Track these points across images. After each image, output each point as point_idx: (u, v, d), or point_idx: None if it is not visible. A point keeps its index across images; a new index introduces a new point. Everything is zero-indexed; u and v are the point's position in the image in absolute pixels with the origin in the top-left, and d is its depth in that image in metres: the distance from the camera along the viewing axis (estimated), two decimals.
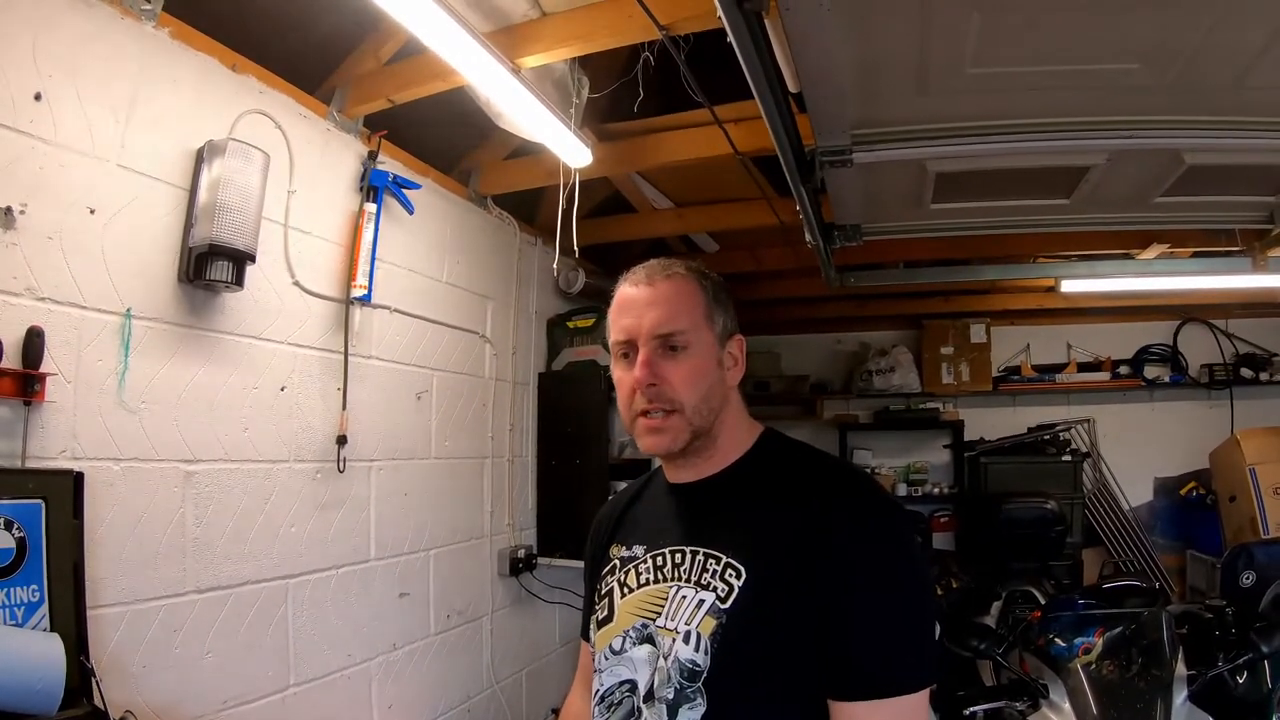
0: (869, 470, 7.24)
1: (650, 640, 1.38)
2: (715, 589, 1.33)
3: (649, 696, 1.34)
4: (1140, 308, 6.75)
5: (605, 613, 1.49)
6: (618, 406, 1.51)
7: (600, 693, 1.43)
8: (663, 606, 1.38)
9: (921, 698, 1.24)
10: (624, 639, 1.42)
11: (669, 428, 1.41)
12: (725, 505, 1.43)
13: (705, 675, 1.29)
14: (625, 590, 1.47)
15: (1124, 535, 6.76)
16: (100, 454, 2.25)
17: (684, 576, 1.38)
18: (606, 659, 1.44)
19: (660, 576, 1.42)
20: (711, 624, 1.30)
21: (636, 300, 1.43)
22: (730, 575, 1.32)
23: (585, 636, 1.66)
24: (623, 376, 1.44)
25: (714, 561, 1.35)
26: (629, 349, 1.43)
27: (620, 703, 1.39)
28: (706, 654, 1.29)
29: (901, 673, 1.24)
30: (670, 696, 1.31)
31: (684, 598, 1.36)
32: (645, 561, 1.46)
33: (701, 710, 1.28)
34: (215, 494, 2.62)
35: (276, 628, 2.84)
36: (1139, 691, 2.94)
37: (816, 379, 7.70)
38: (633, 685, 1.38)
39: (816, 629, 1.25)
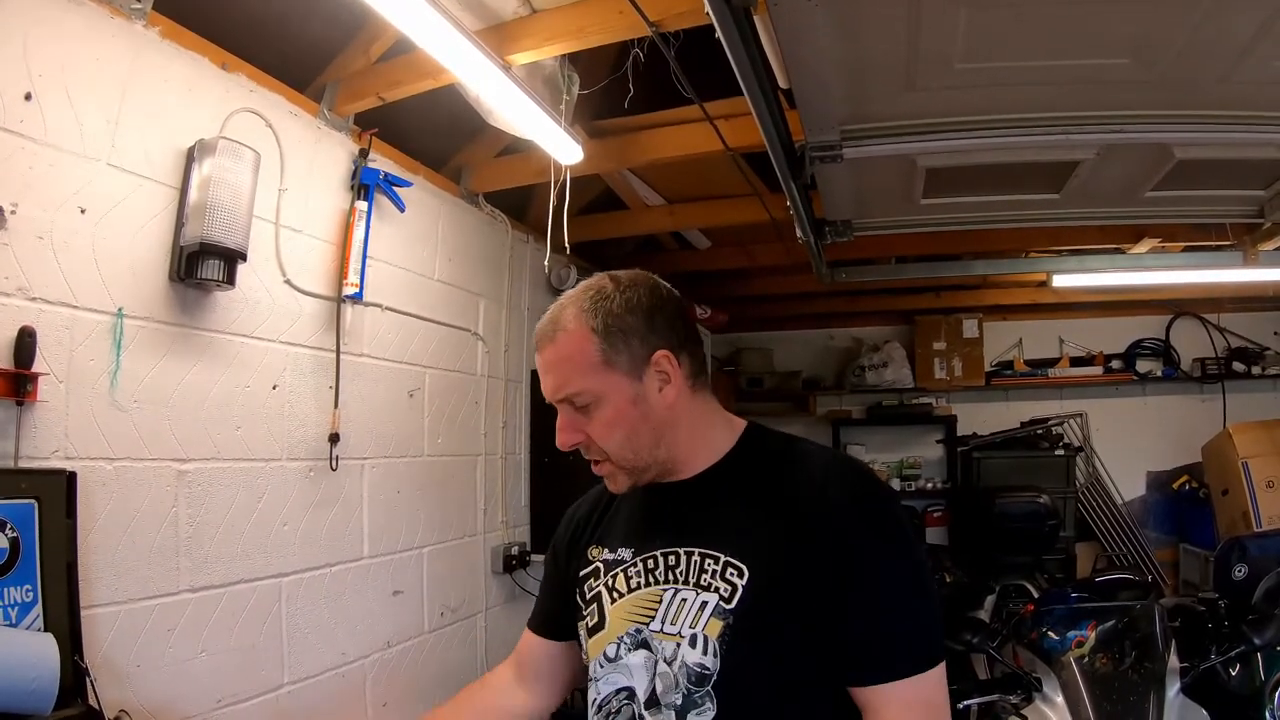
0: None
1: (645, 645, 1.36)
2: (718, 589, 1.30)
3: (652, 703, 1.32)
4: (1132, 302, 6.79)
5: (595, 619, 1.45)
6: None
7: (597, 702, 1.40)
8: (656, 610, 1.36)
9: (940, 672, 1.26)
10: (618, 645, 1.39)
11: (607, 472, 1.43)
12: (715, 504, 1.40)
13: (715, 678, 1.27)
14: (615, 595, 1.43)
15: (1117, 529, 6.79)
16: (93, 453, 2.24)
17: (680, 579, 1.35)
18: (601, 667, 1.41)
19: (653, 579, 1.39)
20: (718, 626, 1.28)
21: (539, 363, 1.41)
22: (731, 574, 1.30)
23: (531, 626, 1.67)
24: None
25: (712, 561, 1.33)
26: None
27: (619, 711, 1.36)
28: (715, 656, 1.28)
29: (920, 650, 1.25)
30: (678, 702, 1.29)
31: (684, 600, 1.33)
32: (634, 565, 1.42)
33: (711, 714, 1.27)
34: (208, 493, 2.61)
35: (270, 626, 2.83)
36: (1132, 684, 2.96)
37: (809, 375, 7.73)
38: (630, 692, 1.35)
39: (823, 622, 1.25)
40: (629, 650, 1.38)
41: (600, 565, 1.49)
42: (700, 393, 1.45)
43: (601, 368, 1.36)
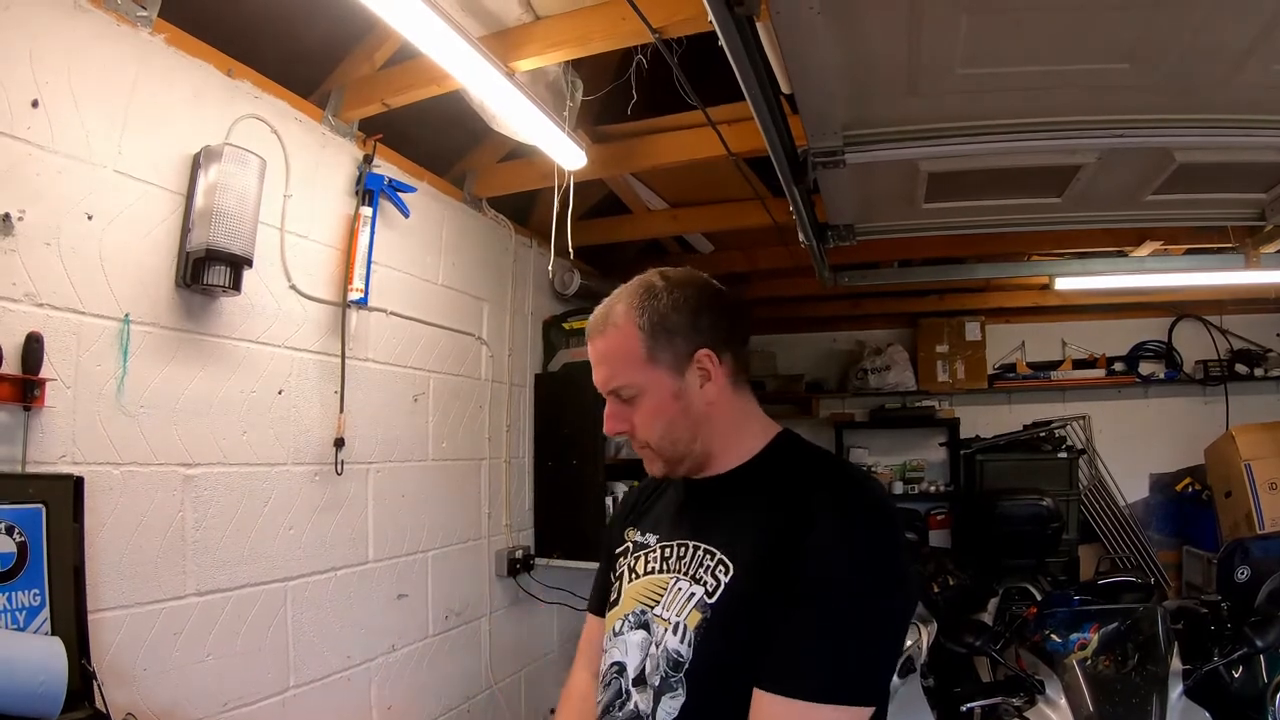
0: (866, 469, 7.23)
1: (645, 626, 1.43)
2: (705, 583, 1.36)
3: (640, 681, 1.39)
4: (1135, 305, 6.78)
5: (615, 595, 1.55)
6: None
7: (601, 672, 1.49)
8: (662, 596, 1.43)
9: (833, 713, 1.18)
10: (624, 622, 1.48)
11: (648, 457, 1.51)
12: (726, 503, 1.46)
13: (687, 666, 1.33)
14: (633, 575, 1.52)
15: (1120, 531, 6.78)
16: (100, 458, 2.26)
17: (683, 569, 1.42)
18: (610, 640, 1.50)
19: (665, 567, 1.46)
20: (697, 617, 1.34)
21: (590, 354, 1.49)
22: (720, 571, 1.36)
23: (592, 608, 1.70)
24: None
25: (709, 556, 1.39)
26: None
27: (609, 684, 1.45)
28: (690, 646, 1.33)
29: (824, 680, 1.19)
30: (657, 684, 1.36)
31: (679, 589, 1.40)
32: (655, 551, 1.51)
33: (681, 700, 1.32)
34: (214, 497, 2.63)
35: (276, 630, 2.85)
36: (1135, 686, 2.96)
37: (812, 378, 7.72)
38: (620, 667, 1.44)
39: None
40: (630, 628, 1.46)
41: (630, 545, 1.59)
42: (741, 392, 1.51)
43: (646, 363, 1.43)
